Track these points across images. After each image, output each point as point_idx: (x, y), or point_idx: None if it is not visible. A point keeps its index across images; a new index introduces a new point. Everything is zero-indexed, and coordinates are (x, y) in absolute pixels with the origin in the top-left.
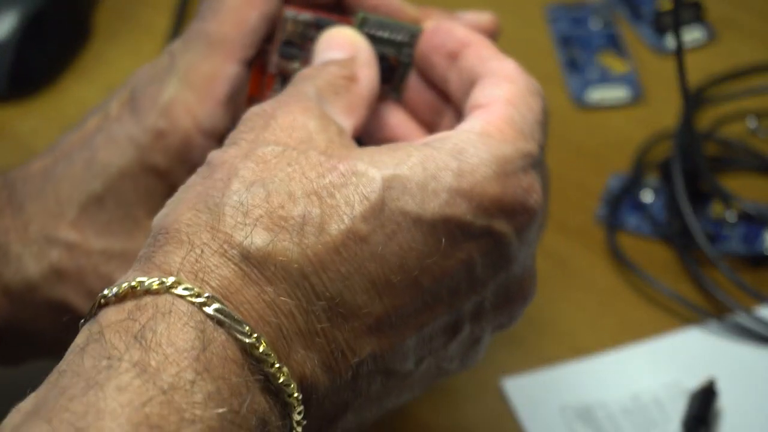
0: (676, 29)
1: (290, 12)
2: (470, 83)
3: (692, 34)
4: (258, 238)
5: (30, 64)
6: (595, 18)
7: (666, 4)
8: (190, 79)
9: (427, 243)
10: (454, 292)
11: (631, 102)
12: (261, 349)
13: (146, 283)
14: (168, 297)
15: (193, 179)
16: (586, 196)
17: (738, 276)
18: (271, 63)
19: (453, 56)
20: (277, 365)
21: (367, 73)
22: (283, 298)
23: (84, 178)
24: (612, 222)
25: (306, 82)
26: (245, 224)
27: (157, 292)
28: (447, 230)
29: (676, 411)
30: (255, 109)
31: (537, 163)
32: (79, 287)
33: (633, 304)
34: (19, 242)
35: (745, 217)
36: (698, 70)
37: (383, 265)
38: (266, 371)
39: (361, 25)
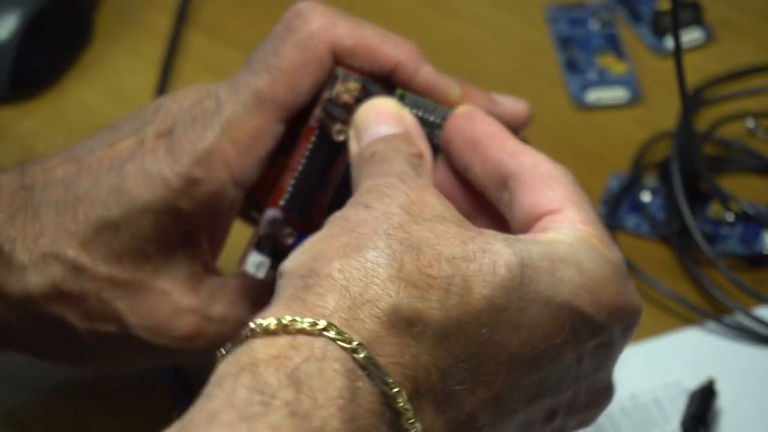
0: (675, 30)
1: (341, 71)
2: (498, 176)
3: (691, 35)
4: (407, 294)
5: (31, 65)
6: (595, 19)
7: (665, 5)
8: (234, 132)
9: (553, 325)
10: (563, 378)
11: (630, 102)
12: (401, 402)
13: (299, 323)
14: (323, 340)
15: (328, 233)
16: None
17: (737, 276)
18: (313, 116)
19: (474, 143)
20: (411, 420)
21: (426, 148)
22: (424, 356)
23: (106, 203)
24: (611, 222)
25: (391, 161)
26: (398, 278)
27: (311, 333)
28: (571, 317)
29: (675, 411)
30: (372, 183)
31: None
32: (78, 308)
33: None
34: (26, 253)
35: (744, 218)
36: (697, 70)
37: (515, 337)
38: (402, 425)
39: (400, 101)
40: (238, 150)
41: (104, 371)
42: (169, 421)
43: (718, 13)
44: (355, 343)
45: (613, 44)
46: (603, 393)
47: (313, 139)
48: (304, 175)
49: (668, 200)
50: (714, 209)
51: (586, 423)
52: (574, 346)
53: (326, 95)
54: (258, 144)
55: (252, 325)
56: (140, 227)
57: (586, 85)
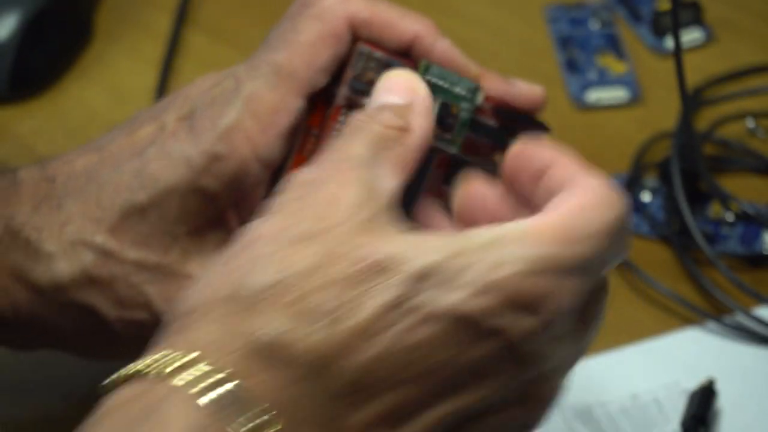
0: (675, 30)
1: (364, 48)
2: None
3: (691, 35)
4: (277, 324)
5: (31, 65)
6: (595, 19)
7: (665, 5)
8: (254, 108)
9: (442, 338)
10: (465, 387)
11: (630, 102)
12: (274, 430)
13: (161, 361)
14: (174, 379)
15: (221, 258)
16: None
17: (737, 276)
18: (339, 95)
19: (539, 175)
20: None
21: (422, 124)
22: (300, 383)
23: (130, 188)
24: None
25: (355, 136)
26: (266, 310)
27: (168, 375)
28: (463, 327)
29: (675, 411)
30: (298, 178)
31: (581, 270)
32: (108, 294)
33: (632, 304)
34: (53, 242)
35: (744, 217)
36: (697, 70)
37: (400, 356)
38: None
39: (424, 72)
40: (260, 125)
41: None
42: None
43: (718, 13)
44: (219, 376)
45: (613, 44)
46: (534, 391)
47: (340, 118)
48: None
49: (668, 200)
50: (714, 209)
51: (531, 419)
52: (470, 354)
53: (350, 73)
54: (279, 118)
55: (114, 375)
56: (167, 209)
57: (586, 85)
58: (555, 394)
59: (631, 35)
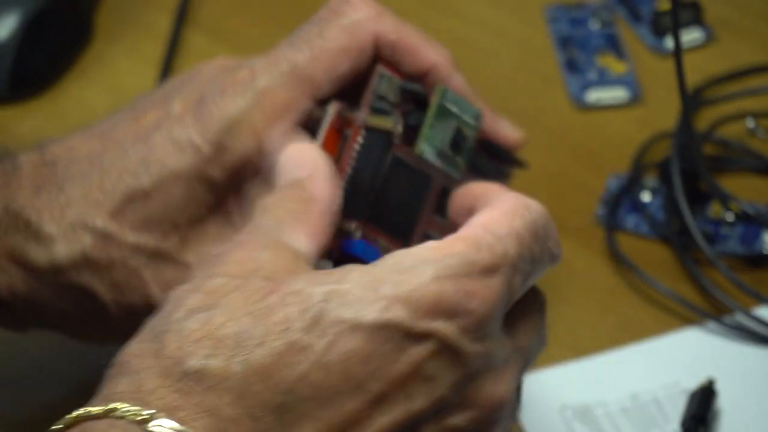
0: (675, 30)
1: (384, 71)
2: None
3: (691, 35)
4: (197, 356)
5: (31, 65)
6: (595, 19)
7: (665, 5)
8: (266, 102)
9: (367, 349)
10: (407, 395)
11: (630, 102)
12: None
13: (89, 411)
14: (106, 421)
15: (149, 319)
16: (585, 197)
17: (737, 276)
18: (359, 117)
19: (470, 212)
20: None
21: (325, 189)
22: (228, 409)
23: (135, 173)
24: (611, 222)
25: (265, 214)
26: (185, 346)
27: (97, 417)
28: (387, 336)
29: (675, 411)
30: (214, 250)
31: (488, 271)
32: (105, 277)
33: (632, 304)
34: (54, 224)
35: (744, 218)
36: (697, 70)
37: (327, 372)
38: None
39: (442, 97)
40: (268, 120)
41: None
42: None
43: (718, 13)
44: (145, 413)
45: (613, 44)
46: (481, 393)
47: (360, 140)
48: (356, 175)
49: (668, 200)
50: (714, 209)
51: (484, 424)
52: (404, 362)
53: (370, 95)
54: (287, 116)
55: (52, 428)
56: (170, 195)
57: (586, 85)
58: (504, 399)
59: (631, 35)
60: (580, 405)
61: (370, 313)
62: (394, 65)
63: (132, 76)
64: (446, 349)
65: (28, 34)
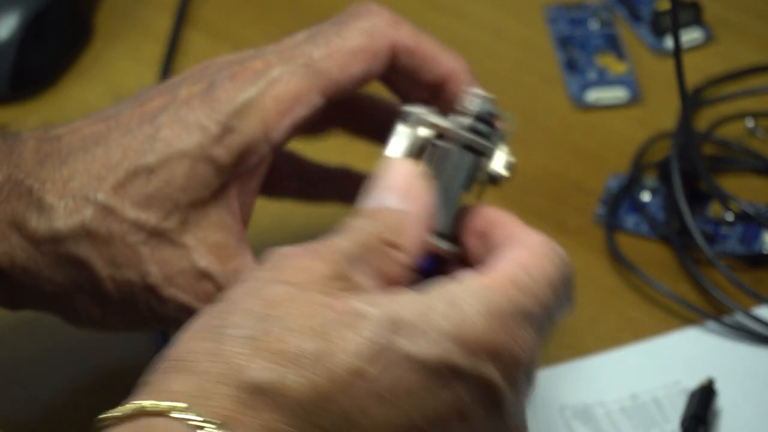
0: (675, 30)
1: (479, 91)
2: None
3: (690, 35)
4: (256, 367)
5: (31, 65)
6: (594, 18)
7: (664, 5)
8: (277, 91)
9: (420, 384)
10: (443, 429)
11: (629, 102)
12: None
13: (143, 406)
14: (163, 420)
15: (202, 312)
16: (585, 197)
17: (736, 276)
18: (456, 132)
19: (483, 236)
20: None
21: (412, 244)
22: (282, 426)
23: (140, 151)
24: (611, 222)
25: (347, 233)
26: (244, 354)
27: (153, 414)
28: (439, 372)
29: (675, 410)
30: (281, 250)
31: (534, 321)
32: (103, 250)
33: (632, 303)
34: (55, 194)
35: (744, 217)
36: (696, 70)
37: (381, 402)
38: None
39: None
40: (278, 108)
41: (121, 331)
42: None
43: (717, 13)
44: (201, 419)
45: (613, 44)
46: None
47: (456, 156)
48: (444, 190)
49: (668, 200)
50: (714, 209)
51: None
52: (450, 399)
53: (466, 111)
54: (297, 108)
55: (102, 415)
56: (174, 173)
57: (586, 85)
58: None
59: (631, 35)
60: (580, 405)
61: (429, 348)
62: (411, 72)
63: (132, 76)
64: (488, 392)
65: (28, 34)
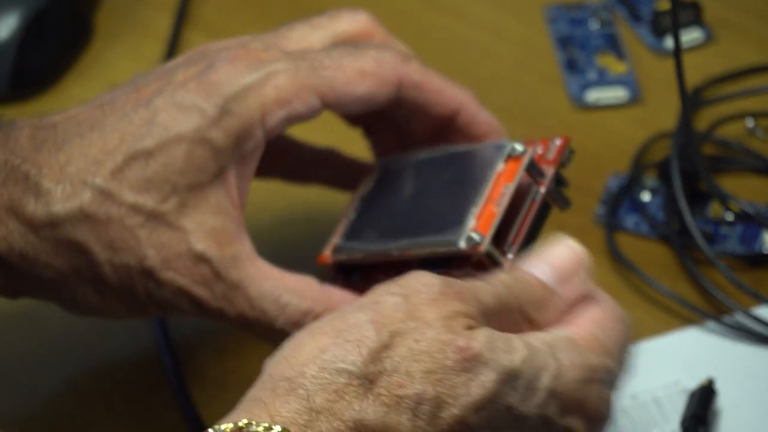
0: (675, 30)
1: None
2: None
3: (690, 35)
4: (373, 411)
5: (31, 65)
6: (594, 18)
7: (664, 5)
8: (279, 81)
9: None
10: None
11: (629, 102)
12: None
13: (254, 427)
14: None
15: (322, 326)
16: (585, 196)
17: (736, 276)
18: (550, 185)
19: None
20: None
21: (549, 320)
22: None
23: (138, 134)
24: (611, 222)
25: (490, 286)
26: (365, 396)
27: None
28: (533, 425)
29: (675, 410)
30: (422, 279)
31: (614, 380)
32: (101, 234)
33: (632, 303)
34: (53, 179)
35: (744, 217)
36: (696, 70)
37: None
38: None
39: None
40: (277, 98)
41: (119, 318)
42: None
43: (717, 13)
44: None
45: (613, 44)
46: None
47: (540, 204)
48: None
49: (668, 200)
50: (713, 209)
51: None
52: None
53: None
54: (295, 103)
55: (215, 427)
56: (172, 157)
57: (586, 85)
58: None
59: (631, 35)
60: None
61: (532, 404)
62: (419, 106)
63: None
64: None
65: (29, 33)
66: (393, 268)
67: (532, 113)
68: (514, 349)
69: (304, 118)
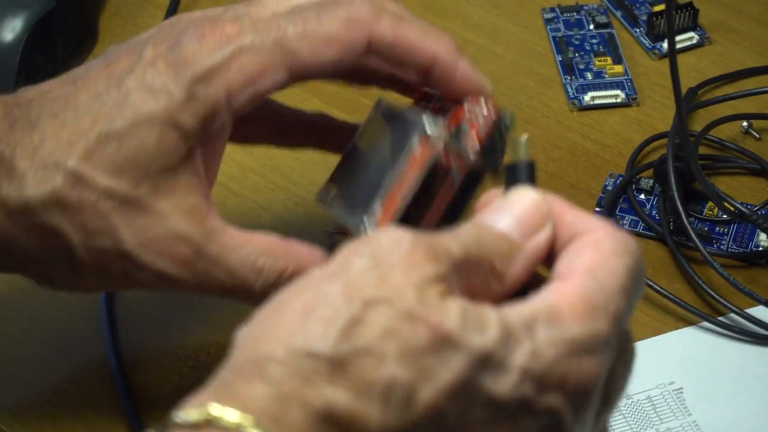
0: (670, 33)
1: (505, 111)
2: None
3: (686, 38)
4: (343, 400)
5: (37, 68)
6: (591, 21)
7: (660, 8)
8: (243, 61)
9: (489, 418)
10: None
11: (626, 104)
12: None
13: (224, 419)
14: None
15: (292, 300)
16: (582, 197)
17: (731, 275)
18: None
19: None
20: None
21: (516, 275)
22: None
23: (109, 117)
24: None
25: (457, 239)
26: (336, 383)
27: (231, 428)
28: (510, 409)
29: (670, 410)
30: (393, 233)
31: (606, 341)
32: (75, 219)
33: None
34: (27, 160)
35: (738, 218)
36: (692, 72)
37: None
38: None
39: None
40: (242, 78)
41: (93, 292)
42: None
43: (712, 16)
44: None
45: (610, 46)
46: None
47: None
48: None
49: (663, 200)
50: (709, 209)
51: None
52: (519, 429)
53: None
54: (261, 81)
55: (179, 418)
56: (144, 139)
57: (583, 87)
58: None
59: (628, 37)
60: None
61: (506, 388)
62: (393, 62)
63: None
64: (553, 422)
65: (34, 36)
66: None
67: (530, 114)
68: (486, 326)
69: (272, 92)
